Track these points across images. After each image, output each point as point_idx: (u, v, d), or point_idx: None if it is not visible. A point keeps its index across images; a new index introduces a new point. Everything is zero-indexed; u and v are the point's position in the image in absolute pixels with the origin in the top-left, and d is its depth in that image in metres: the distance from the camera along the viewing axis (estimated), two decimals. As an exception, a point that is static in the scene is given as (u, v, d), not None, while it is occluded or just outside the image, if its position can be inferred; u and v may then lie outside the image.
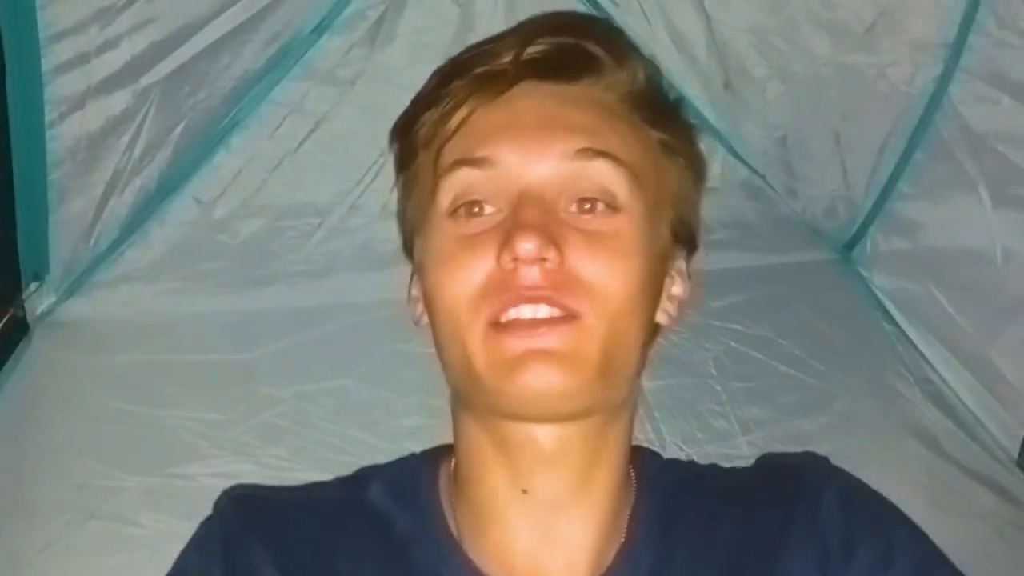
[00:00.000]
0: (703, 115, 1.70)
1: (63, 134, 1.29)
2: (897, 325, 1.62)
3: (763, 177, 1.75)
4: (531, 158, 0.67)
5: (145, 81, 1.34)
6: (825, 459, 0.80)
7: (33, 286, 1.43)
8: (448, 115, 0.72)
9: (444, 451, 0.78)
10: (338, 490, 0.78)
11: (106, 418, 1.34)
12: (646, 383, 1.47)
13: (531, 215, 0.65)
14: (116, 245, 1.51)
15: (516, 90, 0.71)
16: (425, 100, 0.76)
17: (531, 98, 0.71)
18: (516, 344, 0.63)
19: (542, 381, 0.63)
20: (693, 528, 0.72)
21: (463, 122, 0.71)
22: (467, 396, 0.69)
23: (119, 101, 1.33)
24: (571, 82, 0.72)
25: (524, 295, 0.64)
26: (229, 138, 1.55)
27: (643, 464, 0.76)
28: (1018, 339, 1.36)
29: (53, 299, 1.47)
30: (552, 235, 0.64)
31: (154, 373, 1.41)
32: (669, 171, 0.75)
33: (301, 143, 1.59)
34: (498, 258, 0.64)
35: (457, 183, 0.68)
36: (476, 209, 0.68)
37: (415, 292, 0.75)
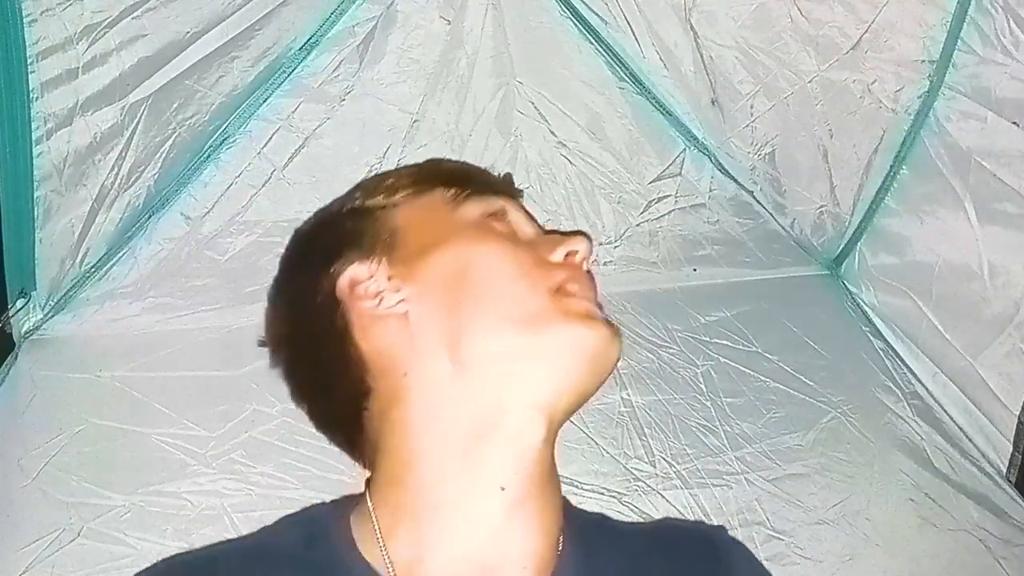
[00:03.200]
0: (691, 131, 1.71)
1: (50, 150, 1.29)
2: (885, 340, 1.63)
3: (751, 193, 1.75)
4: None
5: (133, 97, 1.33)
6: (730, 537, 0.91)
7: (19, 303, 1.42)
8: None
9: (350, 499, 0.82)
10: (249, 545, 0.82)
11: (92, 435, 1.33)
12: (636, 399, 1.48)
13: None
14: (103, 262, 1.50)
15: None
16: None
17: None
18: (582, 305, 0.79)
19: (611, 338, 0.79)
20: (615, 562, 0.79)
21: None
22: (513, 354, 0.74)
23: (107, 117, 1.32)
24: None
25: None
26: (218, 154, 1.55)
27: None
28: (1004, 353, 1.36)
29: (39, 316, 1.46)
30: None
31: (141, 390, 1.40)
32: None
33: (290, 159, 1.59)
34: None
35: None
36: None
37: (383, 284, 0.82)
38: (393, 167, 1.62)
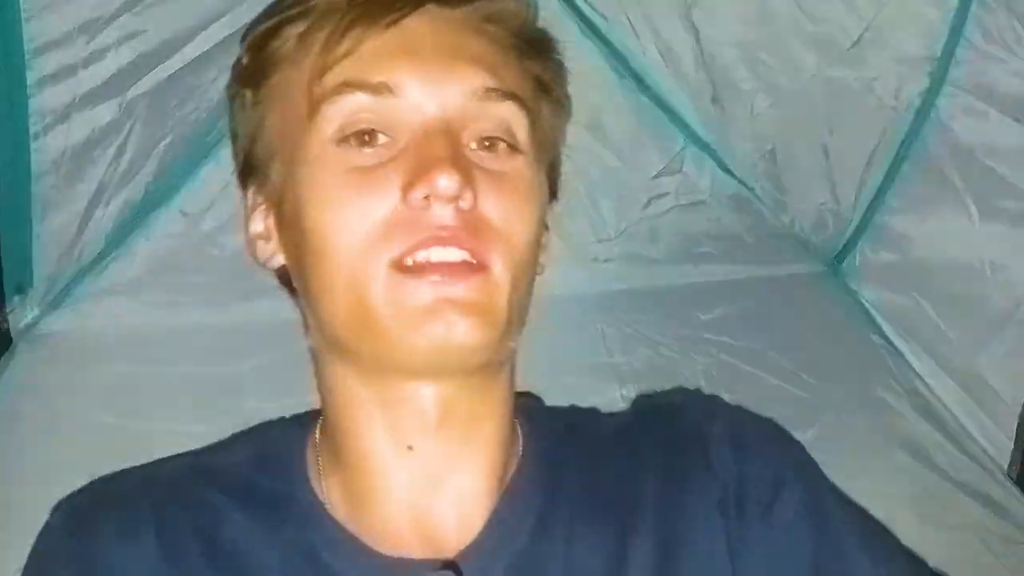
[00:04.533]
0: (692, 128, 1.71)
1: (48, 146, 1.28)
2: (886, 337, 1.62)
3: (752, 190, 1.75)
4: (435, 88, 0.61)
5: (131, 93, 1.33)
6: (699, 393, 0.80)
7: (16, 299, 1.42)
8: (336, 34, 0.62)
9: (313, 416, 0.74)
10: (195, 461, 0.74)
11: (90, 432, 1.33)
12: (636, 396, 1.48)
13: (446, 149, 0.59)
14: (101, 258, 1.50)
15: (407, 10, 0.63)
16: (296, 12, 0.66)
17: (426, 23, 0.63)
18: (427, 291, 0.58)
19: (456, 333, 0.58)
20: (579, 471, 0.70)
21: (355, 41, 0.62)
22: (354, 348, 0.63)
23: (105, 113, 1.32)
24: (464, 7, 0.65)
25: (436, 236, 0.58)
26: (216, 150, 1.54)
27: (527, 412, 0.73)
28: (1005, 351, 1.36)
29: (37, 312, 1.46)
30: (468, 173, 0.59)
31: (139, 387, 1.40)
32: (543, 111, 0.70)
33: (289, 156, 1.58)
34: (406, 194, 0.59)
35: (346, 108, 0.61)
36: (367, 138, 0.61)
37: (259, 228, 0.70)
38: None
